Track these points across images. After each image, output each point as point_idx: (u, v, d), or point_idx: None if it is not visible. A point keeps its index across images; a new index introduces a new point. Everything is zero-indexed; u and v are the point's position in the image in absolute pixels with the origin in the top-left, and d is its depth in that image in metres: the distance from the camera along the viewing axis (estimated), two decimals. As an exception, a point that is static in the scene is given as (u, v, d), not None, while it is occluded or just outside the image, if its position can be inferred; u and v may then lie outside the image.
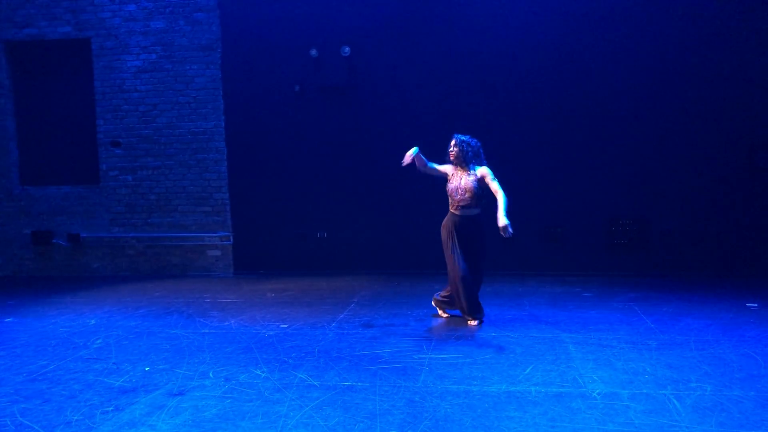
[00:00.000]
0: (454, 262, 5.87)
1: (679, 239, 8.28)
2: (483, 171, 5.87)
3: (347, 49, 8.48)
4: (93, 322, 6.34)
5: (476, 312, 5.95)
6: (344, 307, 6.77)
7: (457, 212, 5.90)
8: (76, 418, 3.83)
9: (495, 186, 5.77)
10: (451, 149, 5.94)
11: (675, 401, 3.88)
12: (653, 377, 4.33)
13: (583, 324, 5.86)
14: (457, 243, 5.87)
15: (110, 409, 3.96)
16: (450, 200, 5.96)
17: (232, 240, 9.18)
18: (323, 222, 8.96)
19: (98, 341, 5.58)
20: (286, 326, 6.00)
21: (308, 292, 7.65)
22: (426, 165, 5.99)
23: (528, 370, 4.56)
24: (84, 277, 9.24)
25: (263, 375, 4.55)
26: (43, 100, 9.49)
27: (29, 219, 9.50)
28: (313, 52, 8.55)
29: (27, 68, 9.50)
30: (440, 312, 6.33)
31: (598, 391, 4.09)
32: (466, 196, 5.83)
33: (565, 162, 8.42)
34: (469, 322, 5.94)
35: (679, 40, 8.10)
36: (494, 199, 5.77)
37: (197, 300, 7.35)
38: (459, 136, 5.98)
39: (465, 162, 5.90)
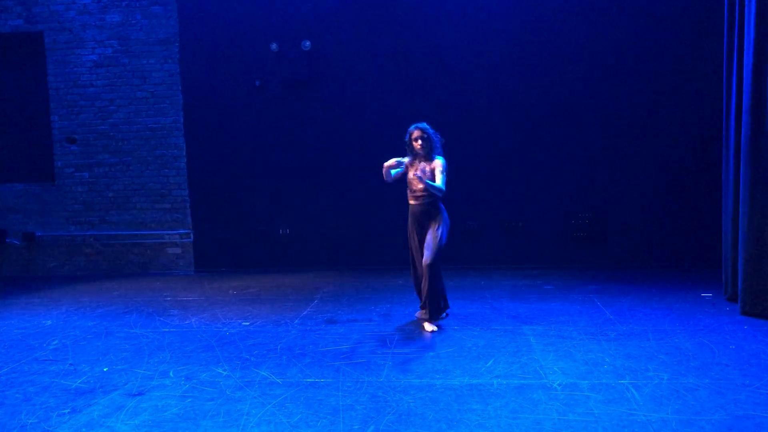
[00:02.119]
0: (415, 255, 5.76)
1: (636, 232, 8.44)
2: (438, 162, 5.60)
3: (308, 43, 8.43)
4: (49, 322, 6.20)
5: (435, 312, 5.60)
6: (307, 304, 6.74)
7: (415, 202, 5.67)
8: (31, 421, 3.73)
9: (439, 179, 5.52)
10: (415, 140, 5.60)
11: (633, 390, 3.95)
12: (612, 367, 4.41)
13: (543, 316, 5.93)
14: (416, 236, 5.70)
15: (67, 411, 3.88)
16: (409, 191, 5.71)
17: (192, 237, 9.06)
18: (285, 218, 8.90)
19: (54, 342, 5.46)
20: (248, 324, 5.94)
21: (271, 289, 7.59)
22: (391, 176, 5.69)
23: (490, 362, 4.60)
24: (40, 277, 9.02)
25: (225, 373, 4.50)
26: (-5, 96, 9.23)
27: (-19, 218, 9.24)
28: (274, 46, 8.46)
29: (-23, 62, 9.23)
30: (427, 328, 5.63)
31: (558, 382, 4.15)
32: (420, 186, 5.56)
33: (524, 157, 8.51)
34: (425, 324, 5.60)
35: (632, 36, 8.23)
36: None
37: (157, 298, 7.24)
38: (422, 125, 5.66)
39: (432, 151, 5.63)
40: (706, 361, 4.48)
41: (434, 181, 5.53)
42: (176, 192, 9.03)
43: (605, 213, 8.49)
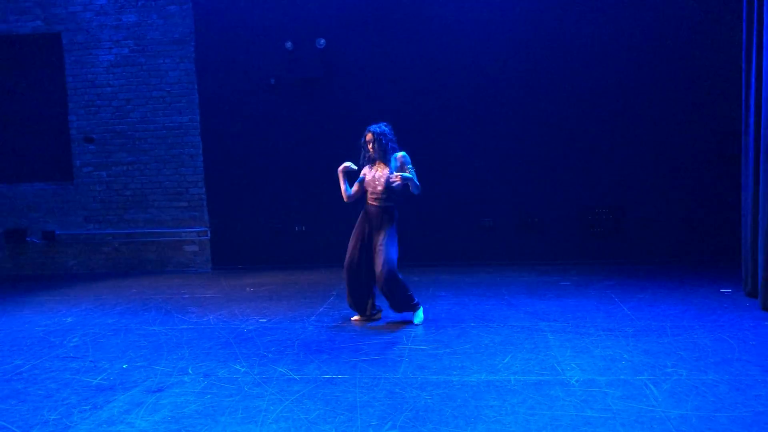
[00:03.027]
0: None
1: (653, 226, 8.37)
2: (401, 158, 5.52)
3: (322, 41, 8.44)
4: (69, 320, 6.27)
5: (411, 307, 5.67)
6: (323, 301, 6.76)
7: (373, 204, 5.62)
8: (53, 417, 3.78)
9: (411, 174, 5.45)
10: (369, 142, 5.57)
11: (652, 387, 3.93)
12: (630, 363, 4.39)
13: (561, 312, 5.91)
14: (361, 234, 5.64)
15: (88, 407, 3.92)
16: (368, 192, 5.67)
17: (209, 235, 9.11)
18: (301, 215, 8.93)
19: (75, 339, 5.52)
20: (265, 321, 5.98)
21: (287, 286, 7.63)
22: (348, 193, 5.76)
23: (507, 359, 4.59)
24: (60, 275, 9.12)
25: (243, 370, 4.53)
26: (15, 96, 9.31)
27: (2, 217, 9.34)
28: (288, 44, 8.48)
29: (-3, 64, 9.34)
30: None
31: (576, 378, 4.14)
32: (378, 189, 5.55)
33: (540, 152, 8.46)
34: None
35: (650, 31, 8.16)
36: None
37: (175, 296, 7.29)
38: (374, 127, 5.57)
39: (386, 155, 5.54)
40: (726, 357, 4.45)
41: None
42: (193, 190, 9.09)
43: (622, 208, 8.43)
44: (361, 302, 5.78)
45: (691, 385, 3.94)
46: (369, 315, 5.84)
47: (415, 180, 5.47)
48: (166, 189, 9.12)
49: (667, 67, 8.18)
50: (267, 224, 8.97)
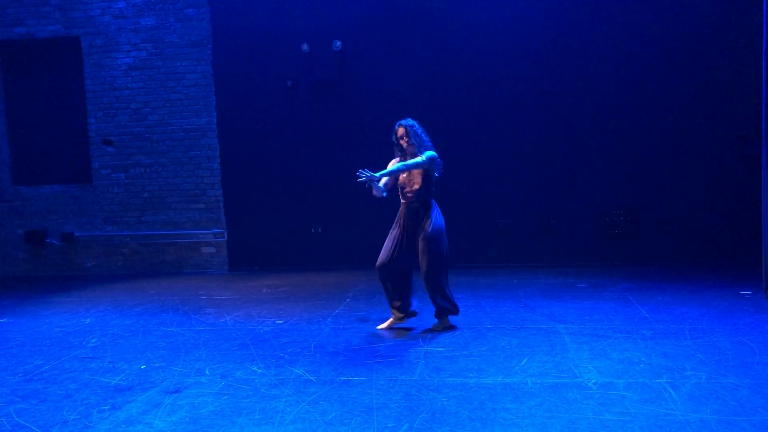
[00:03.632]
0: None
1: (671, 228, 8.30)
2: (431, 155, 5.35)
3: (339, 43, 8.46)
4: (88, 321, 6.33)
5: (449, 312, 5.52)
6: (340, 302, 6.77)
7: (405, 203, 5.51)
8: (72, 417, 3.82)
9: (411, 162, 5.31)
10: (401, 137, 5.41)
11: (670, 390, 3.89)
12: (648, 366, 4.35)
13: (578, 314, 5.88)
14: (398, 233, 5.46)
15: (107, 407, 3.96)
16: (400, 193, 5.56)
17: (226, 236, 9.16)
18: (317, 217, 8.95)
19: (93, 340, 5.57)
20: (281, 322, 6.00)
21: (303, 288, 7.65)
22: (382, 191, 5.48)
23: (524, 361, 4.57)
24: (78, 276, 9.21)
25: (259, 371, 4.55)
26: (34, 100, 9.45)
27: (22, 219, 9.47)
28: (305, 46, 8.51)
29: (17, 67, 9.45)
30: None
31: (593, 381, 4.11)
32: (415, 187, 5.39)
33: (557, 154, 8.43)
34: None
35: (667, 32, 8.10)
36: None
37: (192, 297, 7.34)
38: (406, 121, 5.45)
39: (421, 147, 5.38)
40: (746, 361, 4.39)
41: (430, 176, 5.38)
42: (210, 192, 9.14)
43: (640, 209, 8.37)
44: (405, 301, 5.56)
45: (711, 388, 3.90)
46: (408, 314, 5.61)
47: (411, 162, 5.32)
48: (183, 191, 9.18)
49: (686, 68, 8.12)
50: (283, 226, 9.00)
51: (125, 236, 9.33)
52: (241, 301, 7.00)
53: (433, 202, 5.52)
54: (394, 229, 5.55)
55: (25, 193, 9.45)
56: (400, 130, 5.44)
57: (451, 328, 5.51)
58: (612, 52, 8.23)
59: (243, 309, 6.61)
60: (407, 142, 5.40)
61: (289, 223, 8.98)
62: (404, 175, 5.47)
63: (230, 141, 9.04)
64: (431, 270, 5.33)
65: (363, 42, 8.63)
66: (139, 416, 3.80)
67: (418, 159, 5.33)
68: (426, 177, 5.42)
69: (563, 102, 8.36)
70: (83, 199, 9.38)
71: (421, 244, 5.36)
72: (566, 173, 8.44)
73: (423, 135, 5.48)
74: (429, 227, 5.36)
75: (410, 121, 5.48)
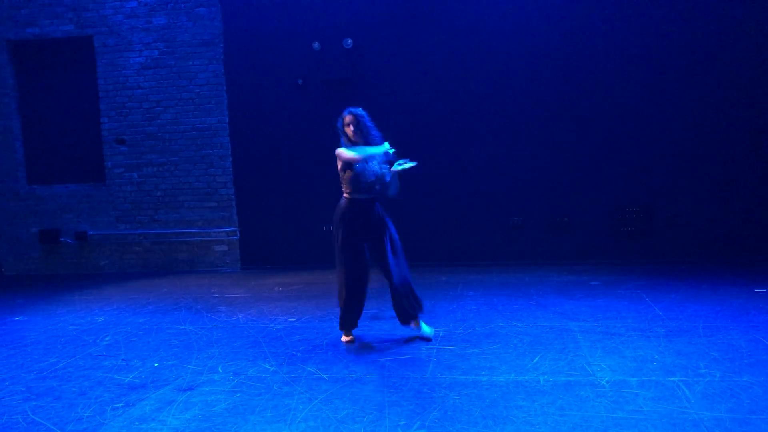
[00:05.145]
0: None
1: (685, 226, 8.24)
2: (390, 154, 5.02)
3: (350, 41, 8.46)
4: (102, 319, 6.38)
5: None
6: (351, 300, 6.76)
7: (366, 196, 5.21)
8: (86, 414, 3.85)
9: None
10: (347, 125, 5.13)
11: (684, 388, 3.87)
12: (662, 364, 4.32)
13: (590, 312, 5.85)
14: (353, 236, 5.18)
15: (120, 405, 3.99)
16: (352, 184, 5.20)
17: (238, 235, 9.19)
18: (329, 215, 8.92)
19: (107, 338, 5.61)
20: (293, 320, 6.01)
21: (315, 286, 7.66)
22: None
23: (536, 359, 4.56)
24: (92, 275, 9.28)
25: (272, 369, 4.57)
26: (48, 99, 9.52)
27: (36, 218, 9.54)
28: (316, 45, 8.52)
29: (30, 67, 9.52)
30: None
31: (606, 379, 4.09)
32: (371, 179, 5.08)
33: (570, 152, 8.39)
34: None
35: (681, 30, 8.04)
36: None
37: (205, 295, 7.37)
38: (352, 109, 5.17)
39: (368, 138, 5.13)
40: (761, 359, 4.36)
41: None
42: (222, 191, 9.17)
43: (653, 207, 8.31)
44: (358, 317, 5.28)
45: (725, 386, 3.87)
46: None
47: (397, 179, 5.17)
48: (195, 189, 9.22)
49: (702, 66, 8.04)
50: (295, 224, 9.01)
51: (138, 235, 9.38)
52: (254, 299, 7.03)
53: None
54: (345, 233, 5.21)
55: (39, 193, 9.53)
56: (348, 118, 5.15)
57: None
58: (627, 50, 8.17)
59: (255, 307, 6.63)
60: (352, 131, 5.12)
61: (300, 221, 8.99)
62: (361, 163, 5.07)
63: (242, 139, 9.06)
64: (407, 272, 5.22)
65: (374, 40, 8.62)
66: (153, 413, 3.83)
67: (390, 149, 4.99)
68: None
69: (577, 100, 8.32)
70: (96, 198, 9.44)
71: (389, 245, 5.17)
72: (580, 171, 8.40)
73: (372, 129, 5.20)
74: (390, 224, 5.24)
75: (360, 111, 5.18)
